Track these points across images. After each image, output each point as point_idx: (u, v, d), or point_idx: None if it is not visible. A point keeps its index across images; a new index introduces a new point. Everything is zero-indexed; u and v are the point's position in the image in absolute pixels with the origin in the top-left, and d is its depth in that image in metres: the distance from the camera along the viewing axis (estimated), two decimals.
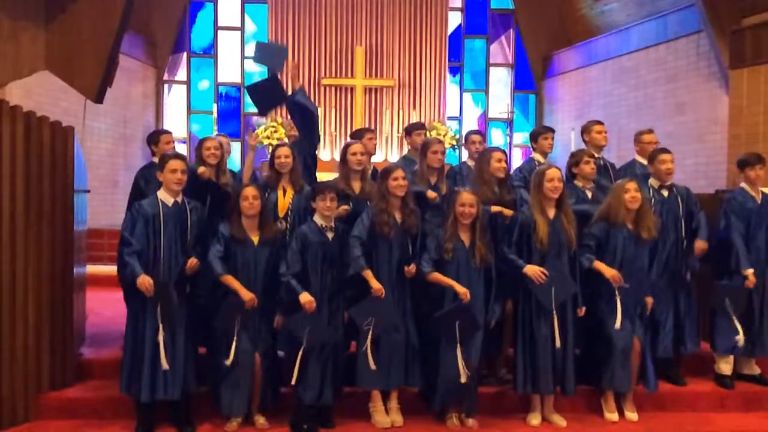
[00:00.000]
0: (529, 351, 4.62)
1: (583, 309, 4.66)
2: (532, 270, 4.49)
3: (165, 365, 4.22)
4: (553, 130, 5.77)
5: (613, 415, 4.81)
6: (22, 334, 4.58)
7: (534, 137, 5.76)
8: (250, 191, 4.42)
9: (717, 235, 5.29)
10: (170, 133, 5.64)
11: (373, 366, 4.35)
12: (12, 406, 4.54)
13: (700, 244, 5.18)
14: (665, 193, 5.23)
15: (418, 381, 4.60)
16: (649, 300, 4.87)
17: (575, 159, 5.23)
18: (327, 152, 11.89)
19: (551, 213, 4.62)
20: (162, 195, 4.38)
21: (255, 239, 4.43)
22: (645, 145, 5.71)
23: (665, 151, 5.28)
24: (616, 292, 4.64)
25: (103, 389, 4.83)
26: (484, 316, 4.56)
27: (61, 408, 4.69)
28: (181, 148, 12.96)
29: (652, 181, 5.25)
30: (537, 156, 5.66)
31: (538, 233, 4.54)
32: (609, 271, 4.63)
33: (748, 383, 5.35)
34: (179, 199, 4.41)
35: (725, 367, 5.31)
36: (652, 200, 5.14)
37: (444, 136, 11.91)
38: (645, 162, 5.52)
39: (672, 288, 5.19)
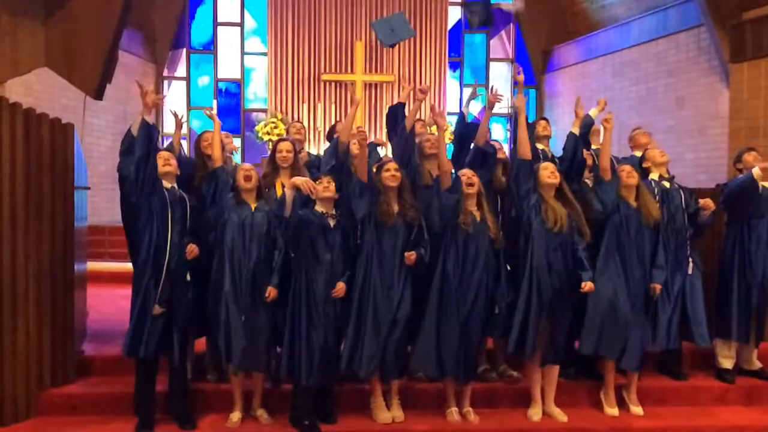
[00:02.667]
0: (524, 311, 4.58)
1: (588, 284, 4.55)
2: None
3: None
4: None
5: (613, 410, 4.82)
6: (23, 331, 4.58)
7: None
8: (244, 165, 4.69)
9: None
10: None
11: None
12: (14, 402, 4.55)
13: (706, 201, 5.19)
14: (667, 184, 5.25)
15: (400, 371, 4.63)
16: (657, 287, 4.84)
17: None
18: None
19: (551, 198, 4.67)
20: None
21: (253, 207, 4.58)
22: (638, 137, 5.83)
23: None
24: None
25: (104, 385, 4.84)
26: (494, 296, 4.57)
27: (63, 404, 4.70)
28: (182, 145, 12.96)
29: (653, 175, 5.27)
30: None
31: (548, 209, 4.57)
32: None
33: (749, 378, 5.36)
34: (175, 185, 4.52)
35: (726, 361, 5.32)
36: (655, 191, 5.16)
37: (445, 130, 11.88)
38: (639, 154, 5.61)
39: (679, 278, 5.17)
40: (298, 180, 4.42)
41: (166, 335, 4.34)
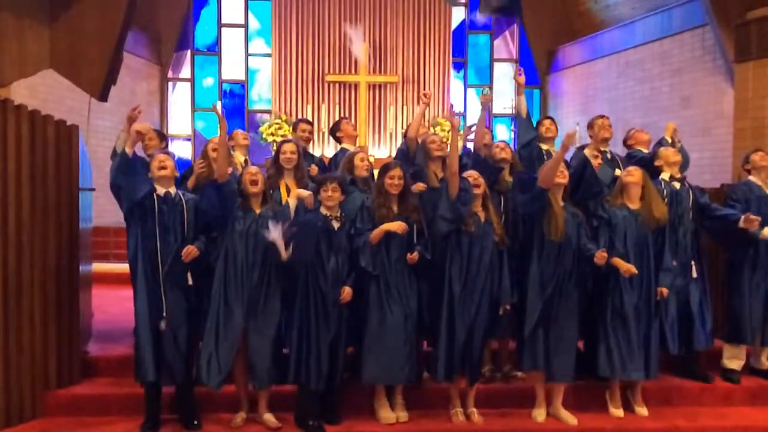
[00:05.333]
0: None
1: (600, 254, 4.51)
2: None
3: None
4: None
5: (618, 411, 4.81)
6: (28, 332, 4.60)
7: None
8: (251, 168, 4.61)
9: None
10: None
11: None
12: (19, 403, 4.56)
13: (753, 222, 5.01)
14: (677, 185, 5.21)
15: (414, 376, 4.60)
16: (664, 290, 4.77)
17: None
18: (331, 149, 11.88)
19: (559, 200, 4.63)
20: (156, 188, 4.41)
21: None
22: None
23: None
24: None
25: (110, 386, 4.85)
26: (497, 295, 4.58)
27: (68, 405, 4.71)
28: (186, 146, 13.00)
29: (664, 175, 5.24)
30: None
31: (551, 216, 4.53)
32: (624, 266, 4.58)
33: (756, 378, 5.34)
34: (172, 190, 4.44)
35: (732, 362, 5.30)
36: (664, 192, 5.12)
37: (448, 131, 11.88)
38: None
39: (684, 281, 5.13)
40: (303, 193, 4.47)
41: (168, 352, 4.33)
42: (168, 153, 4.67)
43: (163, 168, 4.40)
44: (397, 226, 4.38)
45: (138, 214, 4.33)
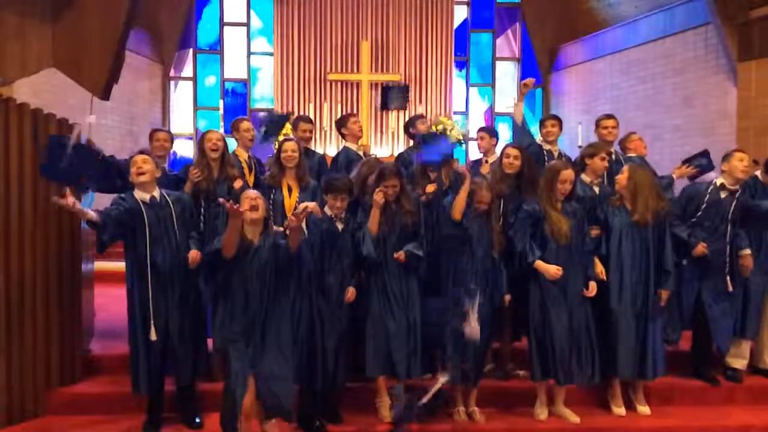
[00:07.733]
0: (544, 338, 4.57)
1: (592, 286, 4.58)
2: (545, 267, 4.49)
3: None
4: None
5: (620, 410, 4.80)
6: (31, 331, 4.61)
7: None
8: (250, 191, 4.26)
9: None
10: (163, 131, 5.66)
11: None
12: (21, 401, 4.58)
13: None
14: (723, 194, 5.15)
15: (420, 370, 4.59)
16: (664, 293, 4.74)
17: (593, 150, 5.09)
18: (333, 148, 11.89)
19: (558, 206, 4.60)
20: (138, 194, 4.31)
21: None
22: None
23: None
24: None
25: (112, 385, 4.86)
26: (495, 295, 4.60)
27: (70, 403, 4.72)
28: (188, 145, 12.99)
29: (717, 180, 5.22)
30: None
31: (552, 224, 4.51)
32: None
33: (758, 377, 5.34)
34: (156, 193, 4.35)
35: (735, 361, 5.29)
36: (707, 197, 5.12)
37: (450, 130, 11.88)
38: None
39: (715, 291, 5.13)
40: (311, 205, 4.46)
41: (169, 354, 4.33)
42: (144, 152, 4.47)
43: (142, 174, 4.26)
44: (377, 197, 4.40)
45: (129, 229, 4.28)
